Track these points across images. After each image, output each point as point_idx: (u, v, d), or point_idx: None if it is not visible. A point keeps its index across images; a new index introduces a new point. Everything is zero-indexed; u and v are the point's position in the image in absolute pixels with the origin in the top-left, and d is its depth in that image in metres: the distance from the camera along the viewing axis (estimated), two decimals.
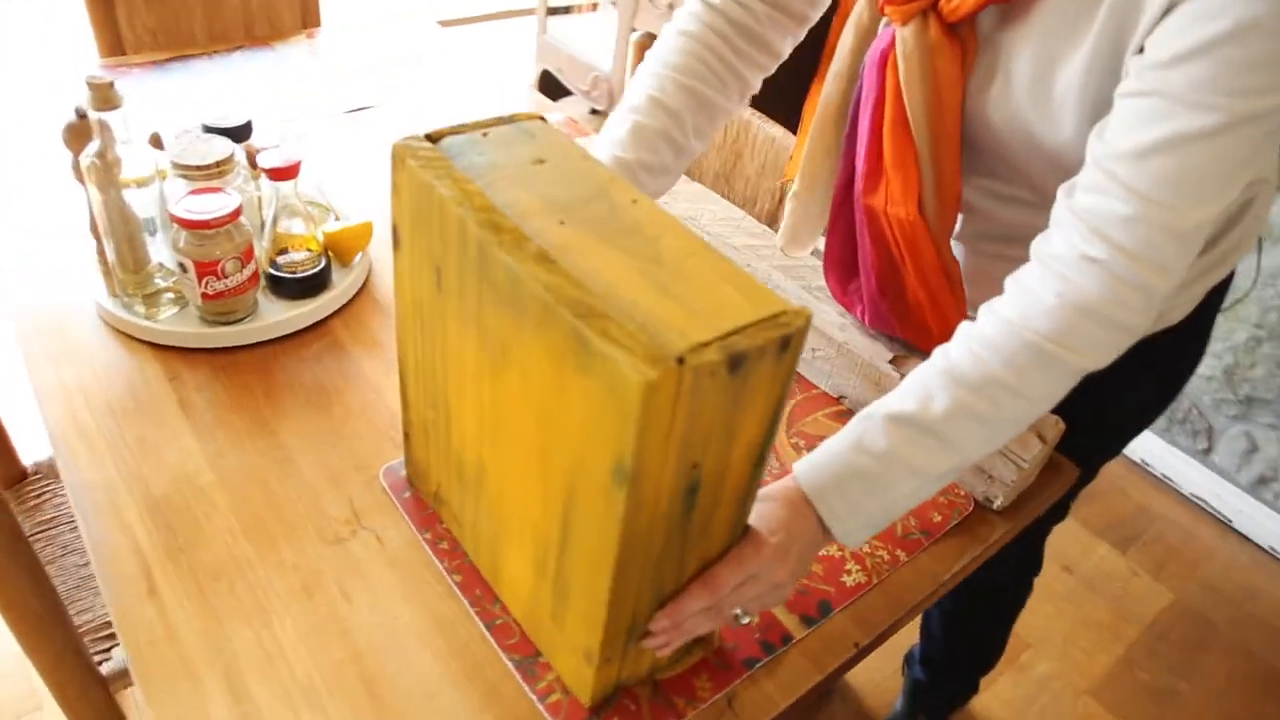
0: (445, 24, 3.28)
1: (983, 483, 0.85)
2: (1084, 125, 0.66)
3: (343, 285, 0.95)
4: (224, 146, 0.88)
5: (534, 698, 0.63)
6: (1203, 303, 0.89)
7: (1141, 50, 0.59)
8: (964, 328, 0.66)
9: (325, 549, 0.71)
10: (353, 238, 0.97)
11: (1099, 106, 0.64)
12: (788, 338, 0.48)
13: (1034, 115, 0.69)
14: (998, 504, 0.85)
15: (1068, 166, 0.68)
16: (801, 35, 0.87)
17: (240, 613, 0.65)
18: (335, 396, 0.85)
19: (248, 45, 1.49)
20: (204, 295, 0.85)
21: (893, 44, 0.74)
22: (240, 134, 0.95)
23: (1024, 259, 0.66)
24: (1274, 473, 1.99)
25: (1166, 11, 0.57)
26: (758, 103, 1.48)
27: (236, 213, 0.83)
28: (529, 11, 3.32)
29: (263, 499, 0.74)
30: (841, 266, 0.91)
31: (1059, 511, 1.11)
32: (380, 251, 1.03)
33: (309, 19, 1.65)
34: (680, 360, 0.44)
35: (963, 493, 0.86)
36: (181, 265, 0.84)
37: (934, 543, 0.81)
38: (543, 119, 0.63)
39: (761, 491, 0.63)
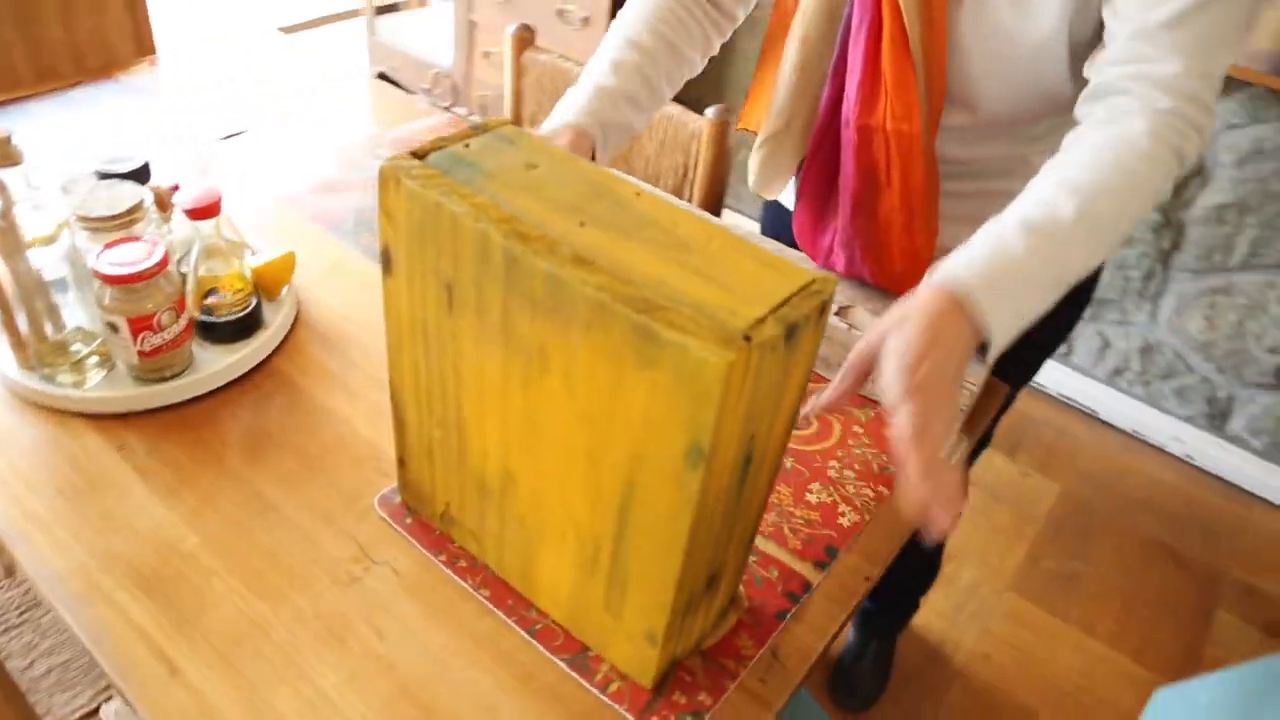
0: (287, 30, 3.13)
1: None
2: (1063, 17, 0.73)
3: (277, 321, 0.91)
4: (131, 193, 0.82)
5: (595, 690, 0.64)
6: None
7: None
8: (1052, 163, 0.70)
9: (342, 591, 0.69)
10: (278, 270, 0.93)
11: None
12: (825, 303, 0.51)
13: (1013, 21, 0.76)
14: (955, 427, 0.91)
15: (1040, 71, 0.76)
16: (751, 7, 0.94)
17: (274, 673, 0.63)
18: (302, 435, 0.81)
19: (85, 80, 1.38)
20: (140, 353, 0.79)
21: None
22: (140, 176, 0.89)
23: (965, 192, 0.72)
24: (1125, 363, 2.20)
25: None
26: None
27: (165, 261, 0.78)
28: (350, 14, 3.20)
29: (258, 552, 0.71)
30: (817, 198, 0.94)
31: (985, 440, 1.19)
32: (304, 280, 0.99)
33: (144, 46, 1.54)
34: (747, 338, 0.46)
35: None
36: (111, 325, 0.78)
37: None
38: (514, 123, 0.62)
39: (882, 323, 0.62)
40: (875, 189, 0.88)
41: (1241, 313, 2.01)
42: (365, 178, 1.20)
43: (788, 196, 1.08)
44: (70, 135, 1.22)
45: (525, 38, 1.37)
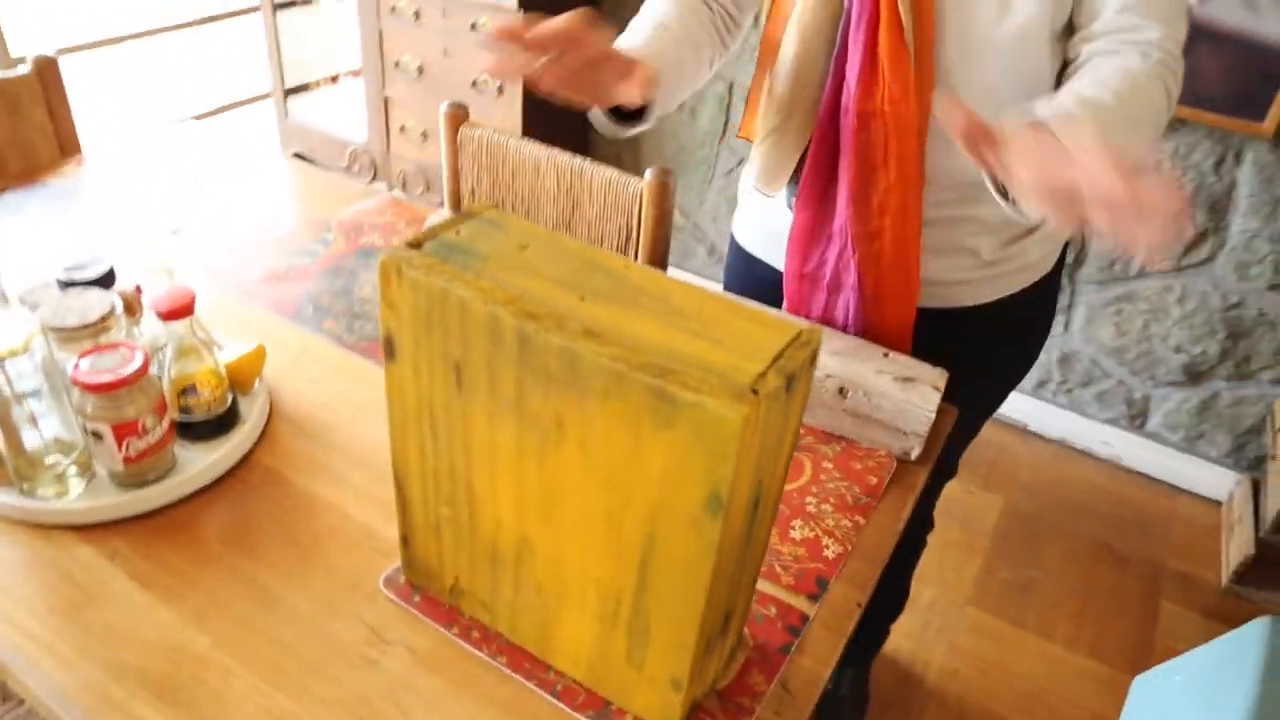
0: (199, 118, 3.11)
1: (899, 440, 0.97)
2: (1042, 5, 0.85)
3: (254, 414, 0.91)
4: (100, 300, 0.83)
5: None
6: (1060, 257, 1.08)
7: None
8: (1073, 83, 0.83)
9: (361, 675, 0.69)
10: (250, 364, 0.94)
11: None
12: (814, 352, 0.55)
13: (995, 10, 0.86)
14: (915, 454, 0.97)
15: (1022, 61, 0.88)
16: (753, 15, 1.01)
17: None
18: (295, 524, 0.82)
19: (9, 186, 1.37)
20: (126, 459, 0.79)
21: None
22: (106, 281, 0.89)
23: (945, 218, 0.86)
24: (1048, 375, 2.33)
25: None
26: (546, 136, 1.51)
27: (145, 366, 0.78)
28: (258, 98, 3.19)
29: (271, 646, 0.71)
30: (816, 191, 0.99)
31: (949, 470, 1.26)
32: (273, 371, 1.00)
33: (67, 147, 1.53)
34: (754, 391, 0.50)
35: (884, 453, 0.98)
36: (95, 434, 0.78)
37: (880, 501, 0.92)
38: (496, 207, 0.66)
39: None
40: (872, 171, 0.94)
41: (1146, 317, 2.15)
42: (315, 264, 1.22)
43: (760, 247, 1.14)
44: (3, 243, 1.20)
45: (458, 115, 1.41)
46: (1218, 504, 2.21)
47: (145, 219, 1.28)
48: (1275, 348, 2.06)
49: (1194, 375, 2.16)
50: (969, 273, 1.04)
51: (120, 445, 0.79)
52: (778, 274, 1.10)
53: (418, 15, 2.47)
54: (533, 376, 0.55)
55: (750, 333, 0.55)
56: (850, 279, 1.01)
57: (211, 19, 2.99)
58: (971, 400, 1.05)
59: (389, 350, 0.63)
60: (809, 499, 0.91)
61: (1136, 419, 2.27)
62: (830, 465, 0.96)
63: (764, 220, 1.12)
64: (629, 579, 0.59)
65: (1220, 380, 2.14)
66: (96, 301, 0.83)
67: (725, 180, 2.57)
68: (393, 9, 2.51)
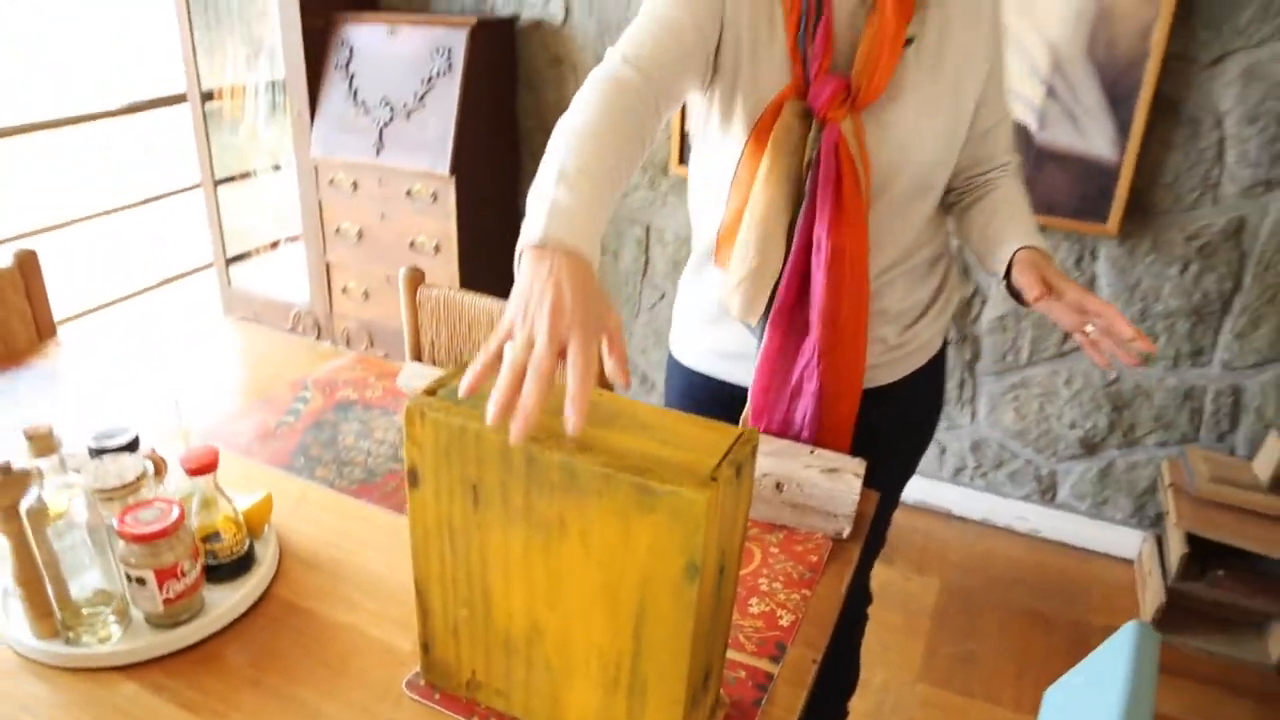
0: (140, 292, 3.20)
1: (832, 523, 1.13)
2: (945, 143, 1.14)
3: (268, 555, 1.03)
4: (134, 463, 0.95)
5: None
6: (944, 339, 1.34)
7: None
8: (1007, 207, 1.22)
9: None
10: (261, 510, 1.06)
11: (953, 125, 1.14)
12: (754, 447, 0.72)
13: (919, 143, 1.12)
14: (846, 533, 1.13)
15: (926, 173, 1.15)
16: (669, 117, 1.08)
17: None
18: (321, 648, 0.93)
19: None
20: (165, 601, 0.90)
21: (839, 135, 1.08)
22: (132, 446, 1.01)
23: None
24: (963, 462, 2.54)
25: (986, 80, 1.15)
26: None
27: (182, 517, 0.90)
28: (201, 268, 3.33)
29: None
30: (784, 318, 1.18)
31: (878, 543, 1.43)
32: (279, 517, 1.11)
33: (44, 329, 1.65)
34: (714, 479, 0.66)
35: (820, 535, 1.14)
36: (139, 579, 0.89)
37: (822, 576, 1.07)
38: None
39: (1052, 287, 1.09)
40: (839, 293, 1.14)
41: (1040, 400, 2.40)
42: (300, 420, 1.35)
43: (709, 365, 1.33)
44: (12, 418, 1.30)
45: (416, 277, 1.59)
46: (1130, 562, 2.42)
47: (139, 390, 1.40)
48: (1154, 414, 2.31)
49: (1090, 447, 2.40)
50: (880, 357, 1.26)
51: (162, 588, 0.90)
52: (728, 387, 1.30)
53: (355, 185, 2.68)
54: (539, 488, 0.70)
55: (703, 437, 0.71)
56: (812, 385, 1.20)
57: (155, 198, 3.15)
58: (890, 473, 1.24)
59: (413, 480, 0.77)
60: (761, 579, 1.06)
61: (1047, 493, 2.49)
62: (776, 550, 1.12)
63: (715, 343, 1.31)
64: (627, 644, 0.73)
65: (1113, 449, 2.38)
66: (131, 465, 0.95)
67: (650, 314, 2.79)
68: (331, 181, 2.71)
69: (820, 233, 1.12)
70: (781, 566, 1.09)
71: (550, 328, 0.70)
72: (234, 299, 3.21)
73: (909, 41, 1.09)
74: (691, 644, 0.70)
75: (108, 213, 3.09)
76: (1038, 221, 1.22)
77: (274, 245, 3.27)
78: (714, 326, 1.29)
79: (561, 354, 0.70)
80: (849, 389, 1.21)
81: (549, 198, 0.83)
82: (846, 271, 1.14)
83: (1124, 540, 2.43)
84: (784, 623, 0.99)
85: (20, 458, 0.88)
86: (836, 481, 1.14)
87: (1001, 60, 1.18)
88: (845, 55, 1.10)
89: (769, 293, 1.18)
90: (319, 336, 3.04)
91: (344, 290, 2.89)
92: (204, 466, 0.95)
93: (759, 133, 1.12)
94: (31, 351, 1.58)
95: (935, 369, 1.35)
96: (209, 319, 3.20)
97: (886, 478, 1.23)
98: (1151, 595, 2.20)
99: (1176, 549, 2.14)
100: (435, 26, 2.48)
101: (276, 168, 3.09)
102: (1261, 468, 2.15)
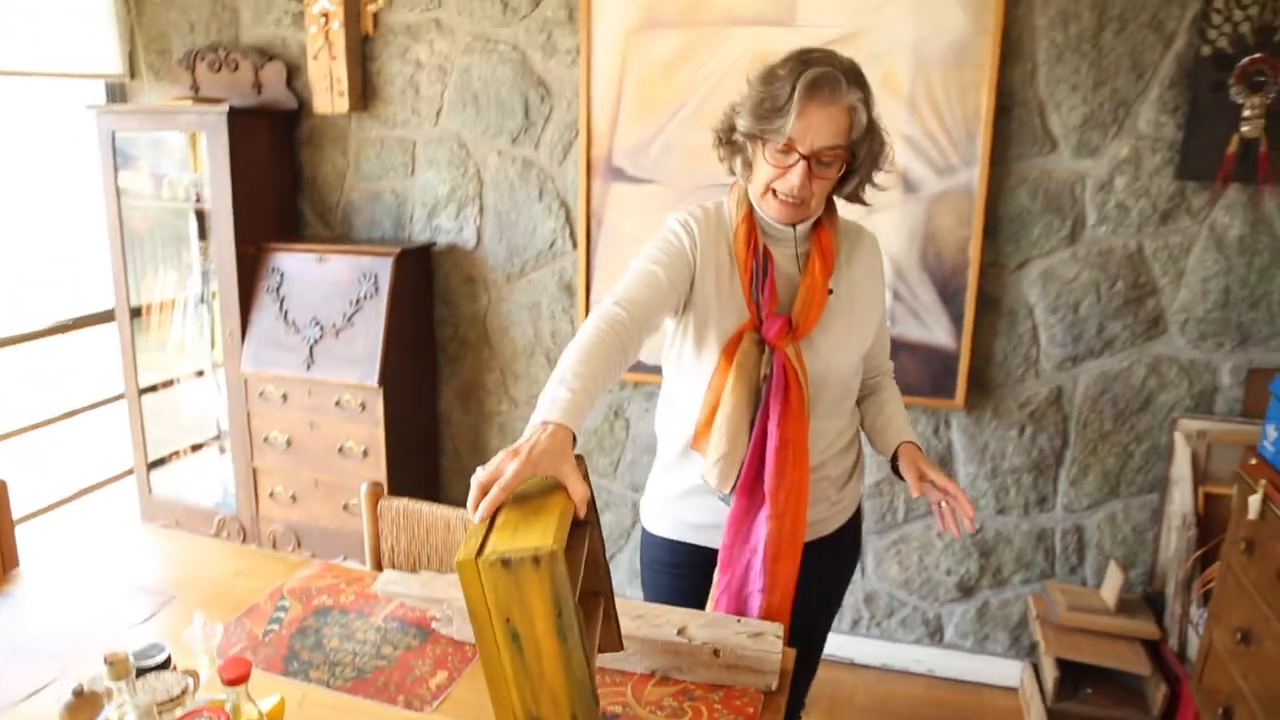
0: (54, 506, 3.21)
1: (760, 679, 1.37)
2: (857, 359, 1.56)
3: None
4: (178, 678, 1.12)
5: None
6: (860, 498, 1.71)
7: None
8: (890, 408, 1.66)
9: None
10: (277, 712, 1.22)
11: (860, 345, 1.56)
12: (538, 557, 0.97)
13: (840, 361, 1.53)
14: (773, 686, 1.37)
15: (847, 386, 1.57)
16: (649, 338, 1.41)
17: None
18: None
19: None
20: None
21: (785, 357, 1.46)
22: (167, 663, 1.17)
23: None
24: (859, 614, 2.81)
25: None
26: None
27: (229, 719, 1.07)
28: (122, 475, 3.38)
29: None
30: (749, 487, 1.51)
31: (801, 697, 1.72)
32: (288, 717, 1.27)
33: (9, 561, 1.75)
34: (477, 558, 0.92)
35: (753, 691, 1.37)
36: None
37: None
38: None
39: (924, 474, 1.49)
40: (783, 472, 1.48)
41: (919, 552, 2.73)
42: (285, 628, 1.51)
43: (680, 533, 1.65)
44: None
45: (376, 492, 1.79)
46: (1014, 689, 2.70)
47: (119, 616, 1.53)
48: (1015, 556, 2.67)
49: (966, 590, 2.72)
50: (826, 512, 1.63)
51: None
52: (695, 549, 1.63)
53: (285, 397, 2.86)
54: None
55: (542, 528, 0.96)
56: (762, 540, 1.51)
57: (76, 412, 3.22)
58: (826, 610, 1.72)
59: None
60: None
61: (935, 634, 2.78)
62: (719, 705, 1.34)
63: (689, 514, 1.63)
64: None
65: (986, 590, 2.71)
66: (175, 681, 1.12)
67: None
68: (261, 394, 2.89)
69: (771, 427, 1.47)
70: (723, 718, 1.31)
71: (514, 463, 1.06)
72: (155, 506, 3.26)
73: (830, 292, 1.51)
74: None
75: (26, 429, 3.15)
76: (904, 404, 1.68)
77: (195, 449, 3.36)
78: (684, 501, 1.62)
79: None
80: (789, 549, 1.51)
81: (550, 395, 1.18)
82: (790, 455, 1.48)
83: (1006, 670, 2.72)
84: None
85: (93, 680, 1.04)
86: (761, 643, 1.38)
87: (883, 296, 1.63)
88: (786, 301, 1.51)
89: (737, 470, 1.52)
90: (244, 540, 3.11)
91: (271, 495, 3.01)
92: (239, 677, 1.12)
93: (726, 354, 1.49)
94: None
95: (858, 520, 1.73)
96: (126, 527, 3.25)
97: (824, 615, 1.66)
98: (1035, 718, 2.48)
99: (1050, 674, 2.44)
100: (362, 256, 2.77)
101: (200, 373, 3.24)
102: (1107, 594, 2.51)
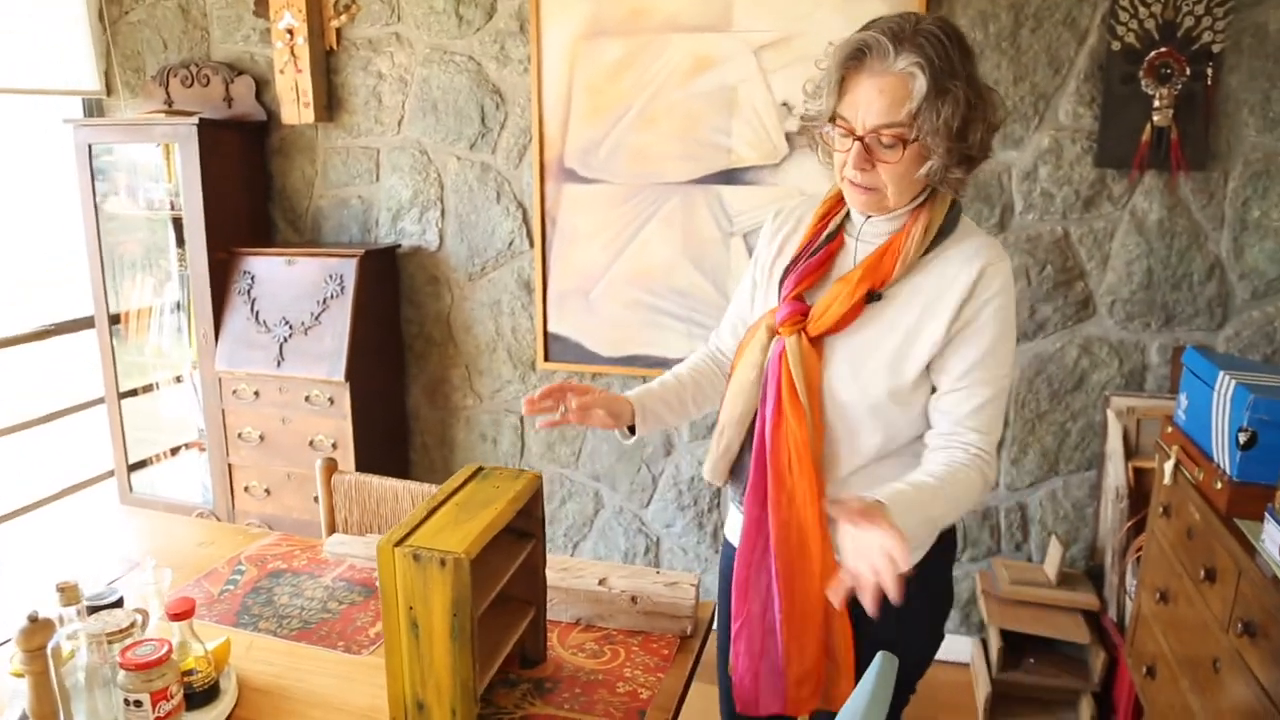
0: (35, 505, 3.29)
1: (676, 624, 1.47)
2: (887, 387, 1.27)
3: (231, 686, 1.29)
4: (126, 614, 1.22)
5: None
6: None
7: (928, 366, 1.27)
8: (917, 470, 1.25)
9: None
10: (223, 651, 1.32)
11: (894, 375, 1.27)
12: (445, 560, 1.08)
13: (856, 379, 1.28)
14: (689, 631, 1.47)
15: (879, 410, 1.28)
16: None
17: None
18: None
19: None
20: (158, 718, 1.15)
21: (783, 348, 1.30)
22: (118, 604, 1.28)
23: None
24: None
25: (946, 343, 1.26)
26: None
27: (171, 650, 1.17)
28: (102, 477, 3.47)
29: None
30: (758, 488, 1.34)
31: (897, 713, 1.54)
32: (234, 659, 1.37)
33: None
34: (395, 546, 1.03)
35: (670, 635, 1.47)
36: (136, 702, 1.14)
37: (671, 665, 1.40)
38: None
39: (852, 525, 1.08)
40: (781, 476, 1.31)
41: None
42: (239, 589, 1.61)
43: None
44: None
45: (330, 466, 1.90)
46: (965, 665, 2.79)
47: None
48: (961, 535, 2.76)
49: None
50: None
51: (155, 707, 1.15)
52: None
53: (257, 394, 2.97)
54: None
55: (469, 531, 1.07)
56: (769, 558, 1.35)
57: (55, 415, 3.32)
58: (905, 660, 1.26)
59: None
60: (625, 669, 1.38)
61: None
62: (636, 648, 1.44)
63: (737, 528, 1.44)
64: None
65: None
66: (125, 615, 1.22)
67: None
68: (234, 392, 3.00)
69: (760, 425, 1.34)
70: (641, 660, 1.41)
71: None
72: (133, 504, 3.35)
73: (877, 297, 1.28)
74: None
75: (5, 431, 3.24)
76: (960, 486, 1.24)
77: (174, 452, 3.46)
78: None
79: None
80: (808, 569, 1.31)
81: (643, 387, 1.48)
82: (786, 460, 1.30)
83: (959, 647, 2.81)
84: (644, 696, 1.32)
85: (46, 608, 1.14)
86: (676, 591, 1.49)
87: (981, 354, 1.26)
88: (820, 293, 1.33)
89: (729, 463, 1.42)
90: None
91: (246, 489, 3.11)
92: (184, 613, 1.23)
93: (741, 345, 1.42)
94: None
95: (940, 556, 1.41)
96: (105, 517, 3.33)
97: (912, 654, 1.40)
98: (982, 690, 2.57)
99: (995, 644, 2.53)
100: (328, 258, 2.89)
101: (178, 379, 3.34)
102: (1049, 568, 2.61)
